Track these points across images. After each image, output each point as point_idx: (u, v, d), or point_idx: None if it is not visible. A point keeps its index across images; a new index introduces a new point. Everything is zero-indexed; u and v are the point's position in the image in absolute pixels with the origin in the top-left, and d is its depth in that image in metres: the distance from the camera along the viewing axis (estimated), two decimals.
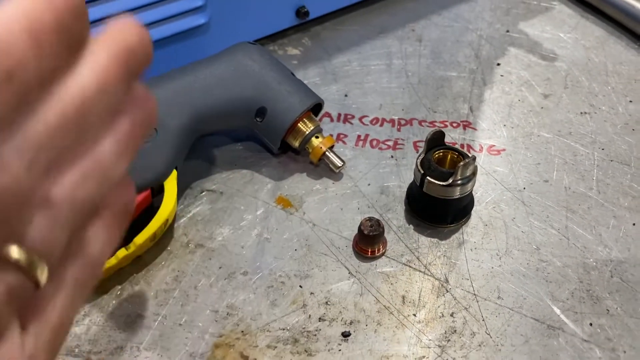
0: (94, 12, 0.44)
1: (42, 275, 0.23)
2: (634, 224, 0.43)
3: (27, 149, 0.21)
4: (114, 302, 0.39)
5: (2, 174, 0.20)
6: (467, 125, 0.51)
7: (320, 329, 0.38)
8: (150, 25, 0.47)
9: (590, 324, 0.38)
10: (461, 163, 0.40)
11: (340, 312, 0.38)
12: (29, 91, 0.20)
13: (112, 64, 0.22)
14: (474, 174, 0.41)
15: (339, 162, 0.46)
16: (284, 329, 0.37)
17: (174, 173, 0.42)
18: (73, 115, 0.21)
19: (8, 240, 0.21)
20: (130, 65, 0.23)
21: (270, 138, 0.46)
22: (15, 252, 0.21)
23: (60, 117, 0.21)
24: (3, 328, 0.22)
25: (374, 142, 0.50)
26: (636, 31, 0.59)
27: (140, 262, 0.41)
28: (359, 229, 0.41)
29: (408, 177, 0.46)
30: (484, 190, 0.46)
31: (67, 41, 0.21)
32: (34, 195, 0.22)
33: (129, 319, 0.38)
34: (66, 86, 0.21)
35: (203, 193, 0.46)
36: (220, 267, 0.41)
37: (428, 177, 0.41)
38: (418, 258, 0.41)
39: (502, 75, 0.56)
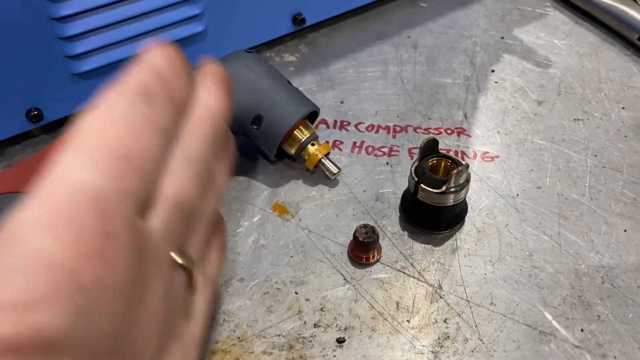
0: (91, 21, 0.44)
1: (200, 280, 0.26)
2: (625, 231, 0.44)
3: (192, 162, 0.24)
4: None
5: (185, 185, 0.23)
6: (461, 132, 0.52)
7: (315, 335, 0.38)
8: (147, 34, 0.48)
9: (582, 330, 0.38)
10: (454, 171, 0.40)
11: (335, 318, 0.39)
12: (181, 109, 0.24)
13: (222, 90, 0.27)
14: (467, 181, 0.42)
15: (334, 169, 0.46)
16: (279, 335, 0.38)
17: None
18: (211, 132, 0.25)
19: (181, 246, 0.24)
20: (230, 93, 0.28)
21: (266, 145, 0.46)
22: (184, 257, 0.24)
23: (203, 132, 0.25)
24: (171, 337, 0.24)
25: (370, 149, 0.50)
26: (629, 38, 0.60)
27: None
28: (354, 236, 0.41)
29: (403, 183, 0.47)
30: (478, 197, 0.46)
31: (188, 72, 0.25)
32: (201, 206, 0.25)
33: None
34: (200, 107, 0.25)
35: None
36: None
37: (422, 185, 0.41)
38: (412, 264, 0.42)
39: (496, 82, 0.57)
